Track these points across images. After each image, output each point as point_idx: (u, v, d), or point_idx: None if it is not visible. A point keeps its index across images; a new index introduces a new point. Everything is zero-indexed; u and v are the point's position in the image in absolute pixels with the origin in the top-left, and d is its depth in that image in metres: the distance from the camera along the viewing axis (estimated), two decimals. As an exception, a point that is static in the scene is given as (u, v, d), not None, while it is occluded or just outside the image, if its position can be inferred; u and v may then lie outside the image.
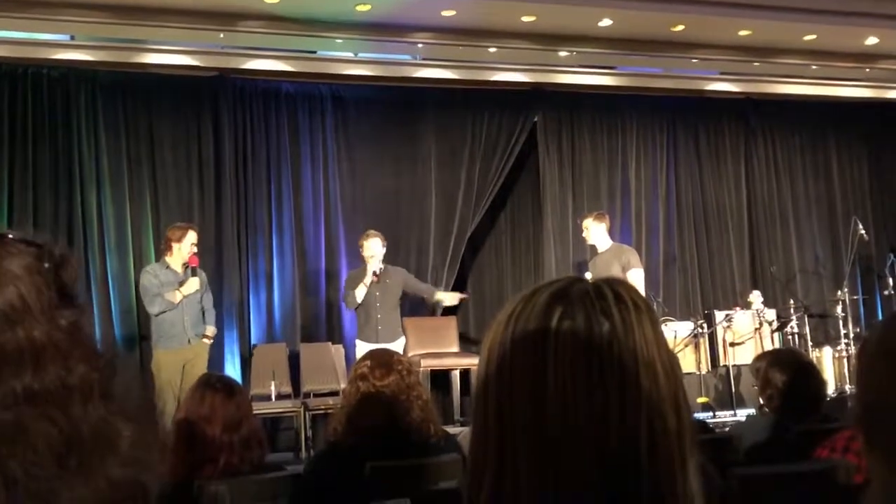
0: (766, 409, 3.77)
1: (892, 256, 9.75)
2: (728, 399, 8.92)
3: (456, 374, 8.36)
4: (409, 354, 7.79)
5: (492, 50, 8.71)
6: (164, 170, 8.40)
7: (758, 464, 3.20)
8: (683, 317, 9.42)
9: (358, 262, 7.83)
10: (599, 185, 9.81)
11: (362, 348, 7.15)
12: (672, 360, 0.93)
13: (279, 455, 7.28)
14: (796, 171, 10.69)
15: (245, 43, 8.35)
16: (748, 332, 9.09)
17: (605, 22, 8.22)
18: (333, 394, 7.53)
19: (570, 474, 0.88)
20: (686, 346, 8.74)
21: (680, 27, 8.43)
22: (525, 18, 8.08)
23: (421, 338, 8.37)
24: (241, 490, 2.78)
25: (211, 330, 7.12)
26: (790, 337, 9.12)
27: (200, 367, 6.66)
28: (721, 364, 9.17)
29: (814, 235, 10.63)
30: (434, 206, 9.19)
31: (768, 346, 8.61)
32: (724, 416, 8.34)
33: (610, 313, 0.92)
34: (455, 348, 8.57)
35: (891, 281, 9.43)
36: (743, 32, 8.65)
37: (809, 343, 9.02)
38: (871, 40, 9.04)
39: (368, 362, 3.03)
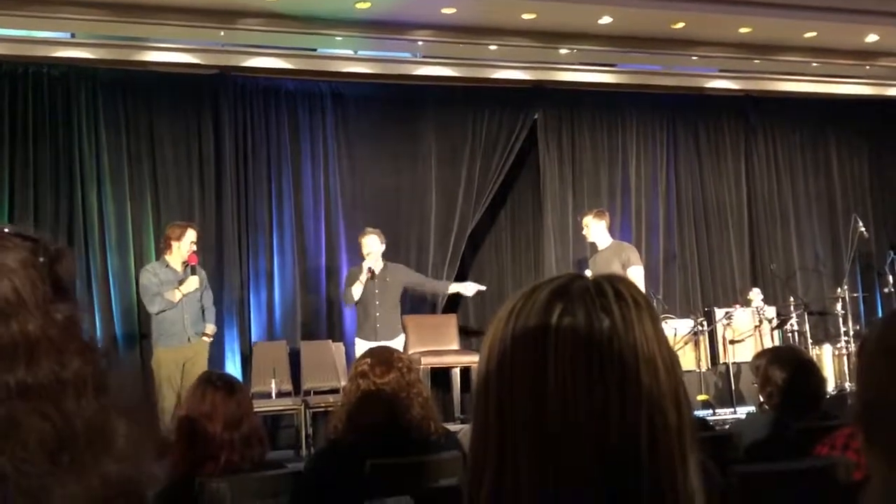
0: (766, 407, 3.78)
1: (892, 254, 9.74)
2: (728, 397, 8.93)
3: (456, 372, 8.35)
4: (410, 352, 7.80)
5: (492, 47, 8.71)
6: (165, 168, 8.39)
7: (758, 461, 3.20)
8: (683, 314, 9.42)
9: (358, 259, 7.83)
10: (600, 183, 9.81)
11: (361, 346, 7.15)
12: (672, 357, 0.93)
13: (280, 453, 7.29)
14: (796, 168, 10.69)
15: (245, 41, 8.35)
16: (748, 329, 9.08)
17: (606, 19, 8.22)
18: (334, 391, 7.54)
19: (570, 471, 0.88)
20: (686, 343, 8.73)
21: (680, 24, 8.43)
22: (525, 16, 8.07)
23: (421, 335, 8.37)
24: (242, 487, 2.78)
25: (210, 328, 7.12)
26: (790, 334, 9.12)
27: (201, 365, 6.66)
28: (721, 362, 9.17)
29: (814, 233, 10.63)
30: (434, 203, 9.18)
31: (768, 344, 8.60)
32: (724, 413, 8.35)
33: (610, 310, 0.92)
34: (455, 346, 8.57)
35: (891, 278, 9.42)
36: (743, 30, 8.65)
37: (809, 340, 9.02)
38: (872, 37, 9.04)
39: (369, 360, 3.03)
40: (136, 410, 0.66)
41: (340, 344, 8.39)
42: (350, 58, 9.04)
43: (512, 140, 9.44)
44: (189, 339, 6.88)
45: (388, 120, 9.17)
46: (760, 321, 9.00)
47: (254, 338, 8.44)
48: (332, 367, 8.02)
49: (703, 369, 8.98)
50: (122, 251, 8.10)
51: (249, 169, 8.66)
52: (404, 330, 7.82)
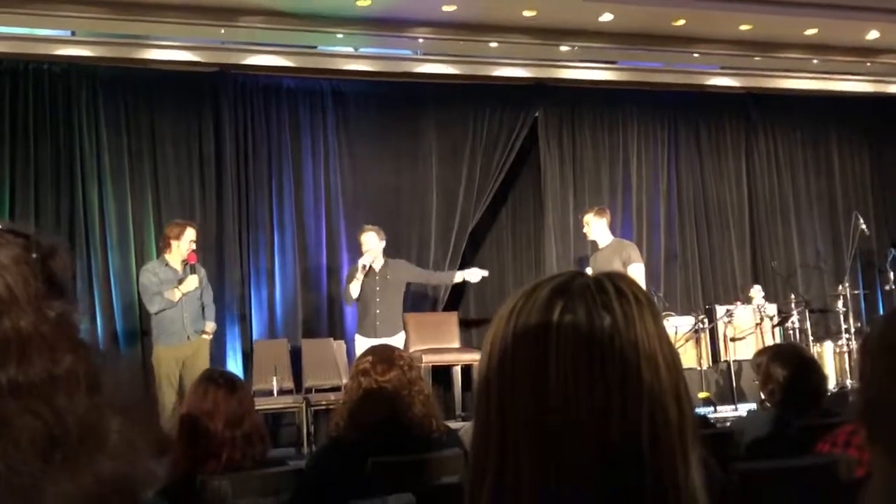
0: (768, 404, 3.78)
1: (892, 251, 9.74)
2: (729, 394, 8.92)
3: (457, 370, 8.35)
4: (411, 350, 7.80)
5: (493, 45, 8.70)
6: (166, 166, 8.40)
7: (759, 458, 3.19)
8: (684, 312, 9.42)
9: (359, 257, 7.83)
10: (600, 181, 9.80)
11: (361, 343, 7.14)
12: (673, 354, 0.93)
13: (281, 450, 7.30)
14: (797, 165, 10.68)
15: (246, 38, 8.34)
16: (749, 327, 9.08)
17: (606, 16, 8.21)
18: (335, 389, 7.54)
19: (571, 468, 0.88)
20: (687, 341, 8.73)
21: (681, 21, 8.42)
22: (526, 13, 8.07)
23: (422, 333, 8.37)
24: (244, 485, 2.78)
25: (210, 326, 7.12)
26: (791, 332, 9.11)
27: (201, 363, 6.67)
28: (722, 359, 9.18)
29: (815, 230, 10.63)
30: (435, 201, 9.18)
31: (769, 341, 8.59)
32: (725, 411, 8.35)
33: (611, 307, 0.92)
34: (456, 344, 8.57)
35: (892, 276, 9.41)
36: (744, 27, 8.64)
37: (810, 338, 9.02)
38: (873, 34, 9.02)
39: (370, 358, 3.03)
40: (133, 408, 0.66)
41: (342, 342, 8.40)
42: (351, 55, 9.03)
43: (513, 138, 9.44)
44: (188, 338, 6.89)
45: (388, 118, 9.16)
46: (761, 319, 9.00)
47: (255, 336, 8.45)
48: (333, 364, 8.02)
49: (705, 367, 8.97)
50: (123, 248, 8.11)
51: (250, 167, 8.66)
52: (405, 327, 7.82)
